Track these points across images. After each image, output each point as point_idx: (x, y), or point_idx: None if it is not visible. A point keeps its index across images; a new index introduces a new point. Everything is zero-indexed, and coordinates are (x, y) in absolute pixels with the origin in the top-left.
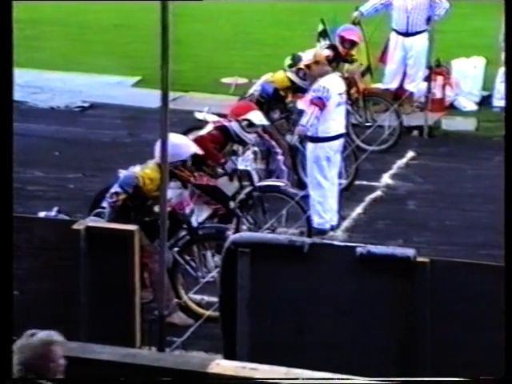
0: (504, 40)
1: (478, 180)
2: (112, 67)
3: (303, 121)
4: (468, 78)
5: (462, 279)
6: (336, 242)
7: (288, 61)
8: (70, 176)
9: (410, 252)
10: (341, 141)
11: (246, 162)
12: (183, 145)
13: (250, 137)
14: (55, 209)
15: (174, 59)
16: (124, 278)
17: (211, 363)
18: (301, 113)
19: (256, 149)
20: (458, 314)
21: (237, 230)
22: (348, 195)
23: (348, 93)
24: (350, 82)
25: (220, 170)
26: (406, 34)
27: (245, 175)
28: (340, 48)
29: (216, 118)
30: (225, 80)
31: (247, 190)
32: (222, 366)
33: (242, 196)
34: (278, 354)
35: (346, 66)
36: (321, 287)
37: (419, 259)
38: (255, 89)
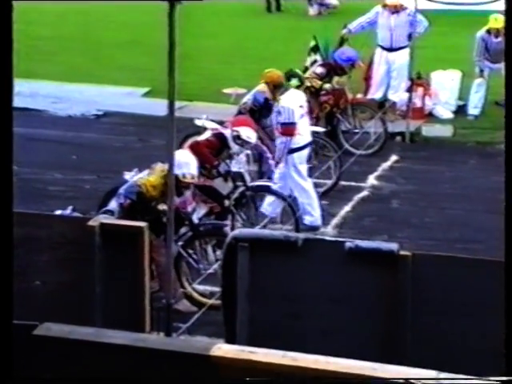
0: (504, 40)
1: (454, 181)
2: (124, 79)
3: (277, 152)
4: (445, 89)
5: (440, 271)
6: (327, 238)
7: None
8: (86, 177)
9: (393, 246)
10: (308, 149)
11: (239, 164)
12: (183, 163)
13: (236, 147)
14: (70, 207)
15: (180, 72)
16: (134, 270)
17: (213, 347)
18: None
19: (249, 152)
20: (437, 303)
21: (232, 227)
22: (338, 195)
23: (338, 102)
24: (339, 93)
25: (215, 172)
26: (390, 50)
27: (238, 176)
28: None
29: (214, 125)
30: (225, 90)
31: (240, 189)
32: (223, 349)
33: (236, 195)
34: (274, 338)
35: (336, 78)
36: (313, 278)
37: (402, 253)
38: (248, 98)
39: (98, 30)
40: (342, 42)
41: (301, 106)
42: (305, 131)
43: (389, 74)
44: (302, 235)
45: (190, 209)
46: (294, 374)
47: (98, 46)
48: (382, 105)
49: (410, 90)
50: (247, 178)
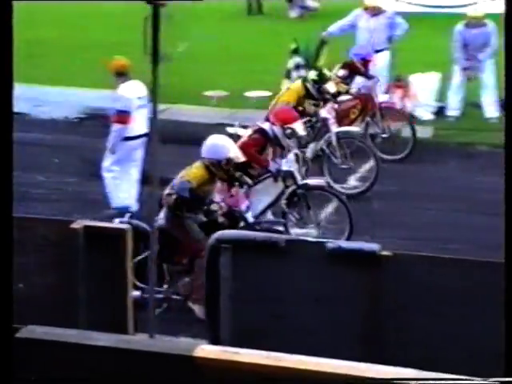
0: (504, 40)
1: (434, 182)
2: (106, 82)
3: (110, 140)
4: (425, 90)
5: (421, 270)
6: (309, 239)
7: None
8: (70, 180)
9: (375, 246)
10: (142, 139)
11: (289, 163)
12: (221, 146)
13: (289, 142)
14: (127, 215)
15: (163, 74)
16: (117, 272)
17: (196, 348)
18: (324, 120)
19: (297, 151)
20: (417, 302)
21: (285, 226)
22: (320, 196)
23: (366, 107)
24: (366, 97)
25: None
26: None
27: (288, 176)
28: (358, 65)
29: (246, 131)
30: (207, 93)
31: (292, 188)
32: (206, 350)
33: (287, 195)
34: (258, 339)
35: (361, 81)
36: (296, 279)
37: (384, 253)
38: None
39: (81, 32)
40: (322, 44)
41: (139, 98)
42: (139, 122)
43: None
44: (284, 236)
45: (243, 207)
46: (277, 374)
47: (81, 49)
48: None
49: (389, 91)
50: (298, 176)
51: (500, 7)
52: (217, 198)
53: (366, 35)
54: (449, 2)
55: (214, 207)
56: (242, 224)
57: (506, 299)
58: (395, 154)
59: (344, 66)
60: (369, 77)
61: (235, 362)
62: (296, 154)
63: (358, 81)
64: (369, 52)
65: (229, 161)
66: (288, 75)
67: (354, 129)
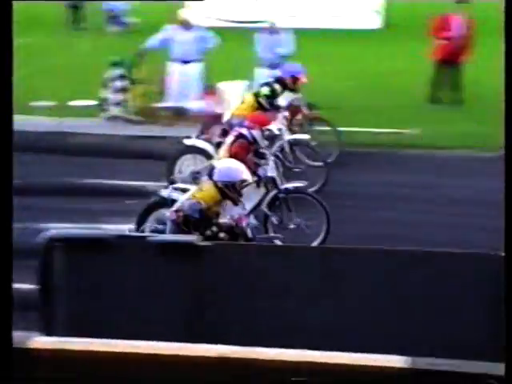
0: (504, 40)
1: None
2: None
3: None
4: (233, 97)
5: (239, 259)
6: (135, 234)
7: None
8: None
9: (193, 238)
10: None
11: (272, 169)
12: (235, 169)
13: (266, 143)
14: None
15: None
16: None
17: (30, 340)
18: (279, 130)
19: (275, 158)
20: (232, 287)
21: (265, 230)
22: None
23: (294, 117)
24: (295, 109)
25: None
26: (184, 62)
27: (270, 181)
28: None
29: (204, 144)
30: (32, 103)
31: (273, 192)
32: (40, 342)
33: (269, 199)
34: (90, 329)
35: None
36: (126, 271)
37: (202, 243)
38: None
39: None
40: (140, 57)
41: None
42: None
43: (183, 84)
44: (114, 233)
45: (244, 224)
46: (113, 359)
47: None
48: (179, 113)
49: (202, 98)
50: (279, 181)
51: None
52: (224, 216)
53: (179, 48)
54: (252, 17)
55: (220, 220)
56: (241, 240)
57: (506, 298)
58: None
59: (276, 82)
60: (296, 92)
61: (70, 351)
62: (275, 162)
63: (287, 95)
64: (298, 70)
65: (243, 182)
66: (105, 85)
67: (304, 136)
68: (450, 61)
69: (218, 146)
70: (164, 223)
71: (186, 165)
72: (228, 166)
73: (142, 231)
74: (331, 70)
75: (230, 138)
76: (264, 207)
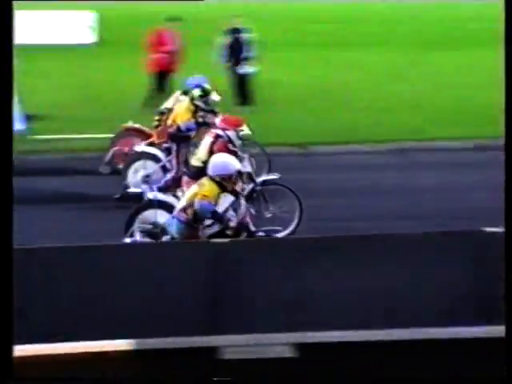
0: (504, 40)
1: None
2: None
3: None
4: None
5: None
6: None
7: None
8: None
9: None
10: None
11: (247, 165)
12: (229, 162)
13: (240, 143)
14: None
15: None
16: None
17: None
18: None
19: (248, 155)
20: None
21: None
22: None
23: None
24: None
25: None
26: None
27: (247, 175)
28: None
29: (152, 149)
30: None
31: (251, 186)
32: None
33: (246, 192)
34: None
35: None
36: None
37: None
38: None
39: None
40: None
41: None
42: None
43: None
44: None
45: (247, 219)
46: None
47: None
48: None
49: None
50: (254, 176)
51: None
52: (230, 212)
53: None
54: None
55: (222, 225)
56: (244, 233)
57: (507, 296)
58: None
59: (184, 93)
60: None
61: None
62: (250, 159)
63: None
64: (202, 81)
65: (239, 173)
66: None
67: (248, 132)
68: (165, 71)
69: (167, 150)
70: (151, 223)
71: (138, 170)
72: (222, 160)
73: (131, 234)
74: (55, 84)
75: (208, 139)
76: (242, 200)
